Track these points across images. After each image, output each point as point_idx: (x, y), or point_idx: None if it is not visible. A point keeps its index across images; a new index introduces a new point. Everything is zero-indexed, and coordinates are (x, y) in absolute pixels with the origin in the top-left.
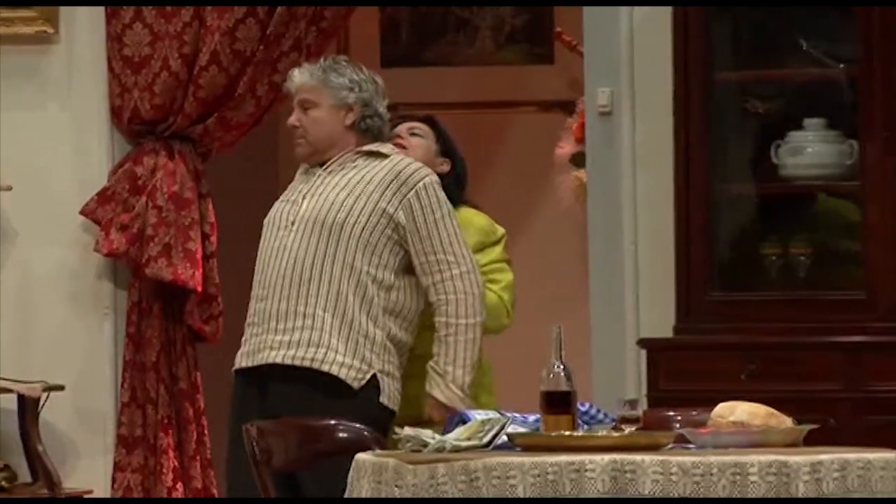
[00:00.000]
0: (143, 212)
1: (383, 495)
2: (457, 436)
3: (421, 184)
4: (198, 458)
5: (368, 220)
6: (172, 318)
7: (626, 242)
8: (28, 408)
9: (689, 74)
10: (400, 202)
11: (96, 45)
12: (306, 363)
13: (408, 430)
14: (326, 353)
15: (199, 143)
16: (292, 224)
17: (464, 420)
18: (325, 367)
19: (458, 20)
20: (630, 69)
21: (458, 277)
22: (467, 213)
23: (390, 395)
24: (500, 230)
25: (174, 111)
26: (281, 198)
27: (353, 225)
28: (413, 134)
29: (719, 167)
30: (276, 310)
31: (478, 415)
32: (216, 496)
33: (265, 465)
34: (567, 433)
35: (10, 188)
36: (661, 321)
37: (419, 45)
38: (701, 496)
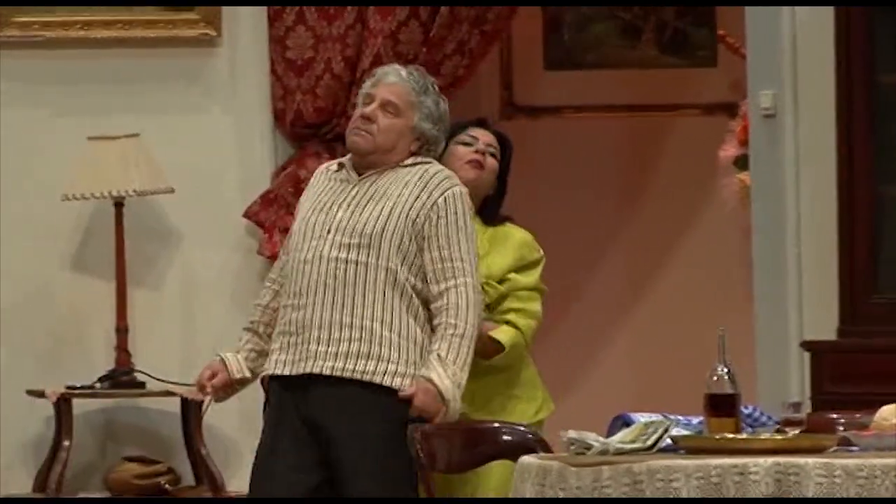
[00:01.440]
0: None
1: (548, 497)
2: (621, 438)
3: (449, 192)
4: None
5: (404, 228)
6: None
7: (789, 244)
8: (191, 410)
9: (851, 75)
10: (427, 209)
11: (259, 48)
12: (358, 376)
13: (572, 433)
14: (378, 364)
15: None
16: (328, 233)
17: (628, 423)
18: (378, 379)
19: (622, 23)
20: (793, 71)
21: (469, 286)
22: (510, 228)
23: None
24: (541, 252)
25: (337, 114)
26: (307, 206)
27: (392, 233)
28: (491, 154)
29: (883, 168)
30: (319, 319)
31: (642, 417)
32: None
33: (429, 468)
34: (731, 436)
35: (173, 191)
36: (824, 323)
37: (582, 47)
38: (864, 498)
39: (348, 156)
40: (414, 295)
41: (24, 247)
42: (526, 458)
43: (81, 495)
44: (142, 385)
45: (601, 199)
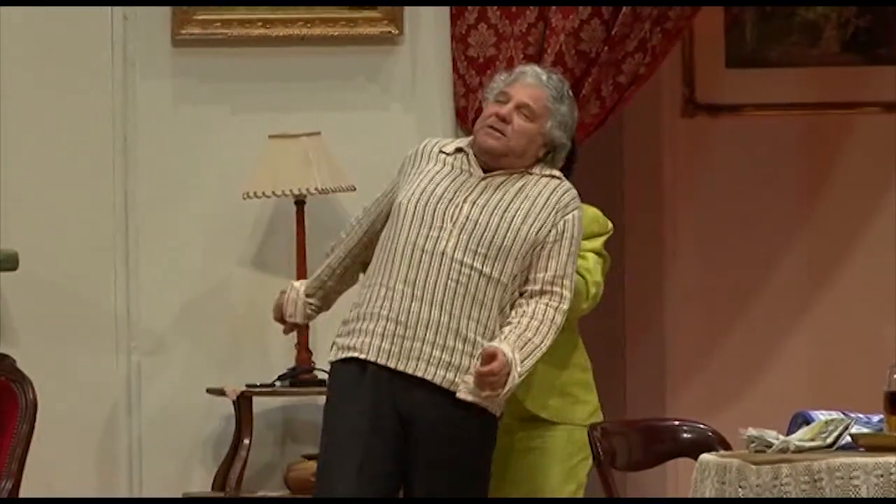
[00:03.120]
0: None
1: (727, 495)
2: (800, 436)
3: (570, 216)
4: None
5: (529, 248)
6: None
7: None
8: None
9: None
10: (548, 231)
11: (441, 46)
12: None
13: (752, 431)
14: None
15: None
16: (452, 227)
17: (807, 420)
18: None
19: (803, 21)
20: None
21: (562, 311)
22: (585, 206)
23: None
24: (609, 224)
25: None
26: (422, 182)
27: (518, 252)
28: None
29: None
30: (431, 318)
31: (821, 415)
32: None
33: (609, 465)
34: None
35: (354, 189)
36: None
37: (763, 45)
38: None
39: (467, 142)
40: (508, 309)
41: (204, 245)
42: (706, 456)
43: (261, 494)
44: (322, 383)
45: (781, 196)
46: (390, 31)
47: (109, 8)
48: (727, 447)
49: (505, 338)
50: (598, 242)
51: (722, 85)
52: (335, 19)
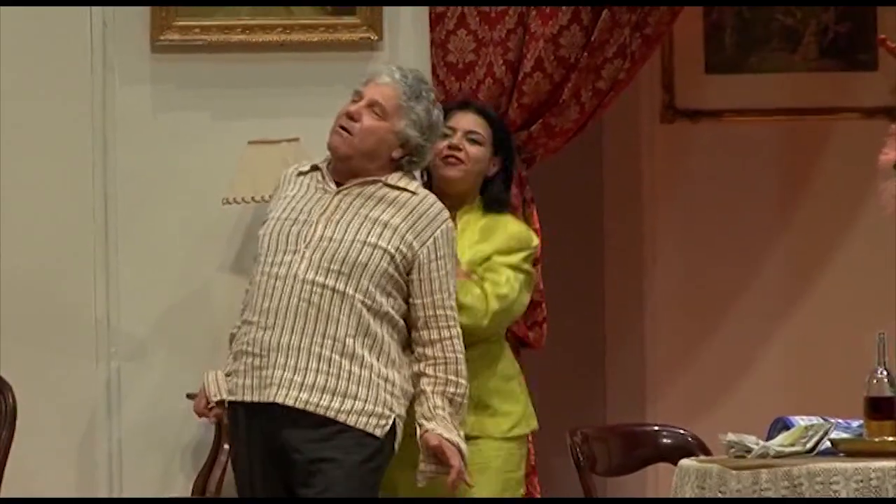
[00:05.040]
0: None
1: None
2: (780, 442)
3: (438, 231)
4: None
5: (389, 262)
6: None
7: None
8: None
9: None
10: (416, 249)
11: (420, 52)
12: (322, 411)
13: (731, 436)
14: (344, 401)
15: (524, 150)
16: (305, 248)
17: (787, 426)
18: (344, 418)
19: (782, 26)
20: None
21: (457, 337)
22: (507, 218)
23: (399, 439)
24: (535, 241)
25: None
26: (279, 212)
27: (377, 265)
28: (472, 141)
29: None
30: (282, 343)
31: (801, 420)
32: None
33: (589, 470)
34: (890, 438)
35: None
36: None
37: (743, 51)
38: None
39: (324, 159)
40: (390, 331)
41: (183, 251)
42: (686, 462)
43: None
44: None
45: (761, 202)
46: (369, 37)
47: (89, 12)
48: (707, 452)
49: (431, 412)
50: (516, 257)
51: (701, 90)
52: (315, 25)
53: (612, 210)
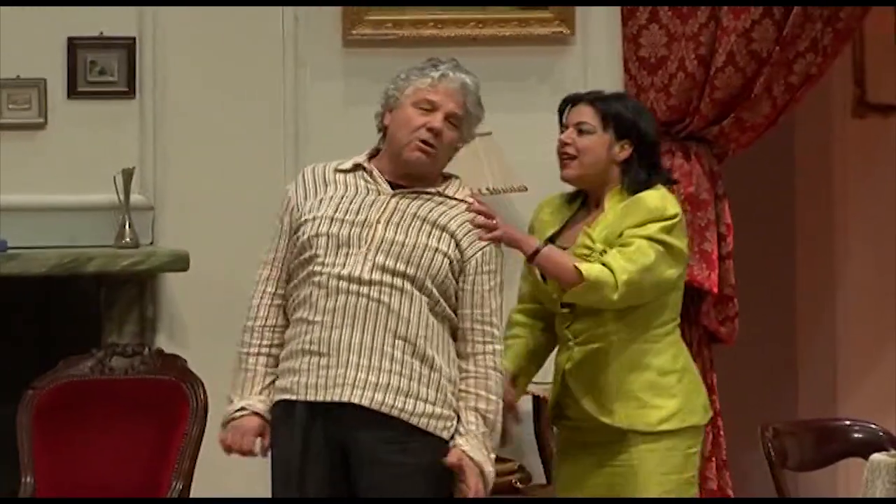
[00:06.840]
0: None
1: None
2: None
3: (489, 244)
4: (713, 459)
5: (449, 264)
6: (688, 319)
7: None
8: (543, 409)
9: None
10: (468, 256)
11: (612, 46)
12: (396, 413)
13: None
14: (416, 403)
15: (715, 144)
16: (367, 250)
17: None
18: (416, 421)
19: None
20: None
21: (494, 354)
22: (644, 195)
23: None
24: (671, 211)
25: (690, 112)
26: (326, 209)
27: (439, 268)
28: (582, 131)
29: None
30: (352, 342)
31: None
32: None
33: (780, 466)
34: None
35: (525, 189)
36: None
37: None
38: None
39: (363, 157)
40: (450, 332)
41: None
42: (877, 456)
43: None
44: None
45: None
46: (562, 32)
47: (280, 9)
48: None
49: (465, 427)
50: (650, 229)
51: (894, 84)
52: (507, 20)
53: (804, 205)
